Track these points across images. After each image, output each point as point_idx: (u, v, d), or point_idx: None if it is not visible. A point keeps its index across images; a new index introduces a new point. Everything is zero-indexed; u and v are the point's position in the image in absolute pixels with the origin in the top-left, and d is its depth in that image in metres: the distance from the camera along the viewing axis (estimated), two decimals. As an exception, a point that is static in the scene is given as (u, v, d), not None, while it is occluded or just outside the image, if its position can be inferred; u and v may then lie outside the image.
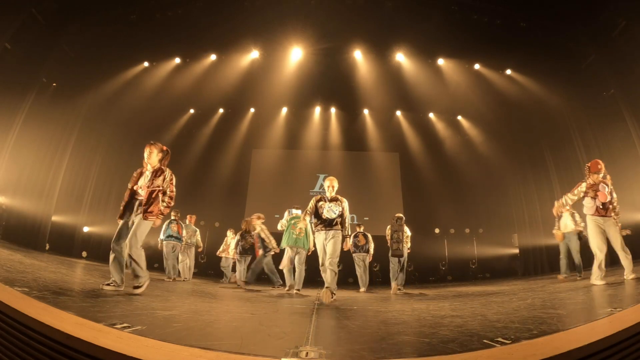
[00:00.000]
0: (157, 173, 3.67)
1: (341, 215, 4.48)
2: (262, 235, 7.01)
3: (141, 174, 3.71)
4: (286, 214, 6.65)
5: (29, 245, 8.16)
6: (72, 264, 6.62)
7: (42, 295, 2.41)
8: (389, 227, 7.16)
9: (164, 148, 3.82)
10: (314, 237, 4.57)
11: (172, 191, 3.76)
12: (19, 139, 7.66)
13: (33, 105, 7.93)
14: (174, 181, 3.80)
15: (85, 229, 10.08)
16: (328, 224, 4.41)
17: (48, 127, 8.76)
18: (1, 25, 6.87)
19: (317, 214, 4.52)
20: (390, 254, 6.82)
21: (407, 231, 7.15)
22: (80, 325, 1.65)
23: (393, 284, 6.67)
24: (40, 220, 8.71)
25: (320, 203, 4.54)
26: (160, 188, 3.63)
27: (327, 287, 4.15)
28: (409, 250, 7.16)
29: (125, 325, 1.83)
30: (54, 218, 9.30)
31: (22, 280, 2.97)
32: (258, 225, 7.09)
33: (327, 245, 4.34)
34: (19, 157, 7.77)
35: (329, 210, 4.44)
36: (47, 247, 9.02)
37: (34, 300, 2.08)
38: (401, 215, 7.27)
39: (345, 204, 4.58)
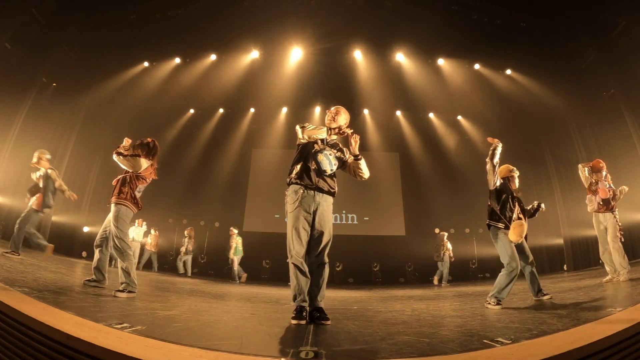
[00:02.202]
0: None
1: (333, 176, 2.80)
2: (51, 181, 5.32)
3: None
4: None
5: (28, 245, 8.16)
6: (72, 264, 6.62)
7: (42, 295, 2.41)
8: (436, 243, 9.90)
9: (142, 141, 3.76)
10: (287, 206, 2.68)
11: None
12: (19, 139, 7.66)
13: (33, 105, 7.93)
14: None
15: (85, 229, 10.10)
16: (322, 182, 2.70)
17: (48, 127, 8.76)
18: (1, 25, 6.87)
19: (302, 160, 2.75)
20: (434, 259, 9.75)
21: (448, 244, 9.71)
22: (80, 325, 1.65)
23: (435, 278, 9.58)
24: (40, 220, 8.70)
25: (317, 146, 2.80)
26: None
27: (319, 308, 2.52)
28: (451, 257, 9.68)
29: (125, 325, 1.83)
30: (54, 218, 9.31)
31: (22, 280, 2.97)
32: (48, 169, 5.43)
33: (317, 218, 2.63)
34: (19, 157, 7.77)
35: (326, 160, 2.70)
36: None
37: (34, 300, 2.08)
38: (441, 232, 9.87)
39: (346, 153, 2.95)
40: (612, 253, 4.46)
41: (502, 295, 3.29)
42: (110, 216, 3.46)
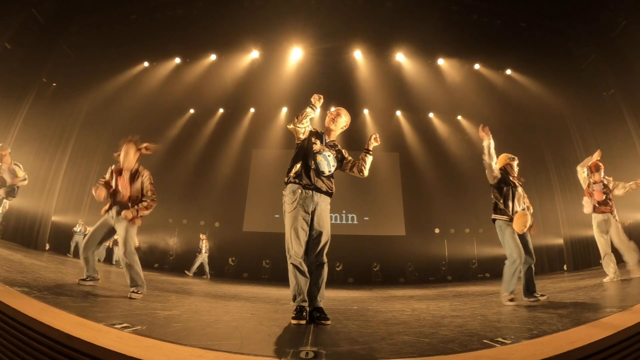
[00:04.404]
0: (135, 176, 3.42)
1: (331, 176, 2.80)
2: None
3: (120, 171, 3.44)
4: None
5: (29, 245, 8.18)
6: (72, 264, 6.62)
7: (42, 295, 2.41)
8: None
9: (142, 146, 3.52)
10: (285, 206, 2.67)
11: (152, 191, 3.43)
12: (19, 139, 7.66)
13: (33, 105, 7.93)
14: (152, 180, 3.47)
15: (86, 229, 10.11)
16: (321, 182, 2.71)
17: (48, 127, 8.77)
18: (1, 25, 6.87)
19: (301, 159, 2.75)
20: None
21: None
22: (80, 325, 1.65)
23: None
24: (40, 220, 8.72)
25: (316, 146, 2.80)
26: (140, 191, 3.41)
27: (319, 308, 2.54)
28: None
29: (125, 325, 1.83)
30: (54, 218, 9.32)
31: (22, 280, 2.97)
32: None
33: (316, 218, 2.63)
34: (19, 157, 7.76)
35: (325, 161, 2.72)
36: (47, 247, 9.04)
37: (34, 300, 2.08)
38: None
39: (345, 153, 2.98)
40: (626, 254, 4.38)
41: (510, 288, 3.32)
42: (122, 229, 3.34)
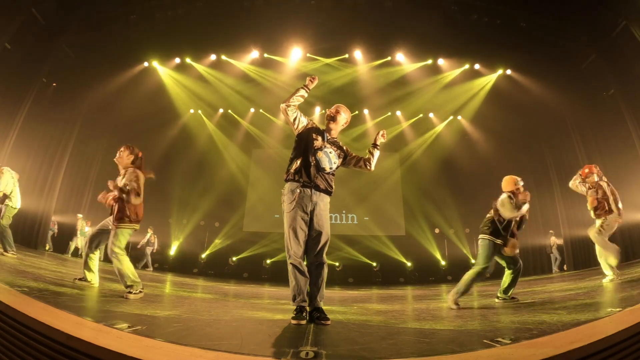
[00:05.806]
0: (123, 175, 3.43)
1: (331, 174, 2.76)
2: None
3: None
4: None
5: (29, 245, 8.17)
6: (72, 264, 6.62)
7: (42, 295, 2.41)
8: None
9: (139, 153, 3.57)
10: (284, 205, 2.63)
11: (131, 185, 3.29)
12: (19, 139, 7.66)
13: (33, 105, 7.93)
14: (137, 179, 3.34)
15: (86, 229, 10.10)
16: (320, 179, 2.66)
17: (48, 127, 8.77)
18: (1, 25, 6.87)
19: (301, 155, 2.70)
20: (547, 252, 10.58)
21: (553, 237, 10.31)
22: (80, 325, 1.65)
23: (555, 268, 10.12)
24: (40, 220, 8.72)
25: (317, 142, 2.75)
26: (120, 191, 3.30)
27: (319, 308, 2.51)
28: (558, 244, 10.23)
29: (125, 325, 1.83)
30: (54, 218, 9.31)
31: (22, 280, 2.97)
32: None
33: (315, 218, 2.59)
34: (19, 157, 7.78)
35: (326, 158, 2.69)
36: (47, 247, 9.05)
37: (34, 300, 2.08)
38: (550, 231, 10.33)
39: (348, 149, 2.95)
40: (609, 257, 4.40)
41: (466, 291, 3.46)
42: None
